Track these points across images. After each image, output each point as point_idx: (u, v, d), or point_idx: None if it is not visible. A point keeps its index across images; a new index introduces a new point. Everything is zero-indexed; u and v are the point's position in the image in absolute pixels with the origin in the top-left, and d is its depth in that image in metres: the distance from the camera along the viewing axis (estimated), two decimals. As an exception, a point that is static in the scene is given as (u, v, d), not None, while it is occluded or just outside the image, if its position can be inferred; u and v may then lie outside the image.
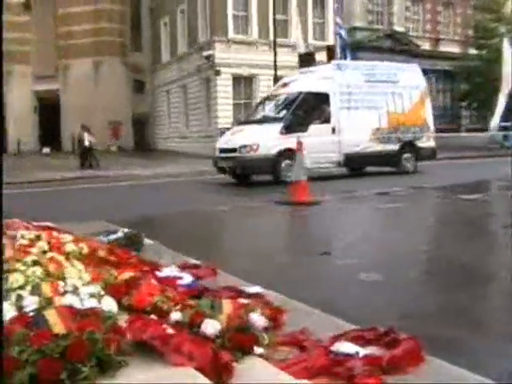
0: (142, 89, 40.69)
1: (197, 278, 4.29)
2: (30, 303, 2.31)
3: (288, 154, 13.68)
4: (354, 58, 27.46)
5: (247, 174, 14.69)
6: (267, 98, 16.72)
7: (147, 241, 6.02)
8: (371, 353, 2.56)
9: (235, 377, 2.13)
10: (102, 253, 3.74)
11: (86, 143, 23.88)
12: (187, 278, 4.07)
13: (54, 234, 3.82)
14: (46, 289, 2.47)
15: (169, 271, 4.21)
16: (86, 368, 1.80)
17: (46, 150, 35.82)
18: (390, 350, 2.65)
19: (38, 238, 3.62)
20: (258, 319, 2.49)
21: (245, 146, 13.96)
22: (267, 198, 10.41)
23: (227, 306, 2.63)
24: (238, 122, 17.18)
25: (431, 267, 5.23)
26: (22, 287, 2.57)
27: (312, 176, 10.99)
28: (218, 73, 29.19)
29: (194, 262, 4.87)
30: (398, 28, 34.82)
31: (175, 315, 2.47)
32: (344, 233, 7.03)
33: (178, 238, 7.55)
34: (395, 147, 15.90)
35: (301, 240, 6.97)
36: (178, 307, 2.56)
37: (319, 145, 14.05)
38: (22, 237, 3.58)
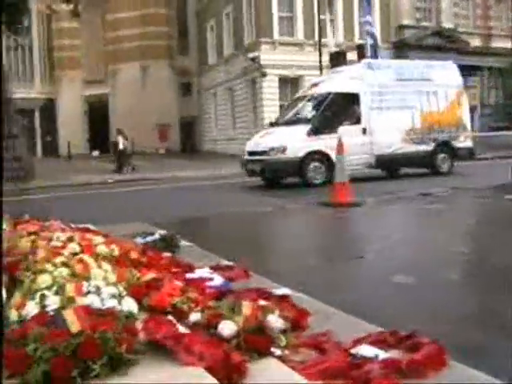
0: (189, 91, 41.20)
1: (228, 280, 4.34)
2: (52, 303, 2.37)
3: (316, 156, 13.70)
4: (402, 57, 27.15)
5: (276, 177, 14.48)
6: (297, 99, 16.47)
7: (185, 243, 6.10)
8: (391, 356, 2.53)
9: (249, 377, 2.14)
10: (134, 254, 3.80)
11: (121, 146, 24.31)
12: (218, 280, 4.11)
13: (87, 236, 3.91)
14: (70, 289, 2.53)
15: (200, 273, 4.25)
16: (97, 366, 1.83)
17: (96, 153, 36.69)
18: (411, 354, 2.61)
19: (71, 239, 3.71)
20: (275, 321, 2.48)
21: (273, 149, 13.83)
22: (310, 200, 10.36)
23: (246, 307, 2.64)
24: (270, 123, 16.92)
25: (471, 269, 5.10)
26: (48, 287, 2.64)
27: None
28: (263, 74, 29.29)
29: (227, 263, 4.91)
30: (447, 25, 34.12)
31: (194, 316, 2.49)
32: (385, 234, 6.93)
33: (218, 240, 7.62)
34: (429, 148, 15.54)
35: (341, 241, 6.91)
36: (198, 308, 2.58)
37: (349, 146, 13.43)
38: (57, 238, 3.68)
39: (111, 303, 2.37)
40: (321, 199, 10.03)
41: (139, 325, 2.19)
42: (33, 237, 3.80)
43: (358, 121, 14.65)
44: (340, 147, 10.34)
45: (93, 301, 2.36)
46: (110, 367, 1.87)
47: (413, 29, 33.03)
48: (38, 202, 13.61)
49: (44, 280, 2.74)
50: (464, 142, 16.19)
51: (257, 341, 2.36)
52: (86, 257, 3.12)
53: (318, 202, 9.89)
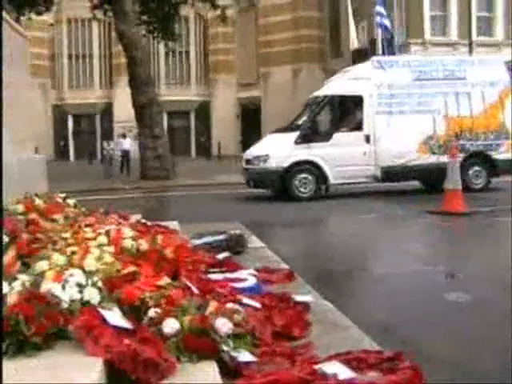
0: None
1: (268, 282, 4.34)
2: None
3: (304, 166, 12.22)
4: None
5: (258, 187, 12.98)
6: (307, 103, 14.48)
7: (258, 243, 6.19)
8: (354, 377, 2.42)
9: (171, 376, 2.17)
10: (168, 251, 3.94)
11: None
12: (249, 282, 4.13)
13: (125, 229, 4.11)
14: (50, 275, 2.73)
15: (238, 274, 4.31)
16: (4, 344, 1.98)
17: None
18: (386, 376, 2.48)
19: (108, 233, 3.95)
20: (223, 325, 2.46)
21: (257, 157, 12.63)
22: (419, 207, 9.90)
23: (212, 307, 2.65)
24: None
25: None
26: (39, 273, 2.85)
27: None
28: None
29: (282, 266, 4.90)
30: None
31: (150, 312, 2.56)
32: (491, 249, 6.46)
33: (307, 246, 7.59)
34: None
35: (439, 253, 6.56)
36: (162, 304, 2.64)
37: (347, 156, 12.19)
38: (93, 231, 3.93)
39: (72, 291, 2.52)
40: (428, 207, 9.53)
41: (77, 314, 2.31)
42: (76, 228, 4.10)
43: (359, 127, 12.80)
44: (454, 150, 9.72)
45: (52, 288, 2.53)
46: (17, 348, 2.01)
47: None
48: (162, 199, 14.36)
49: (40, 266, 2.98)
50: (506, 152, 13.27)
51: (197, 342, 2.36)
52: (93, 248, 3.31)
53: (429, 210, 9.40)
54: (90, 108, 44.05)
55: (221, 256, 5.08)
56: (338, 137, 12.33)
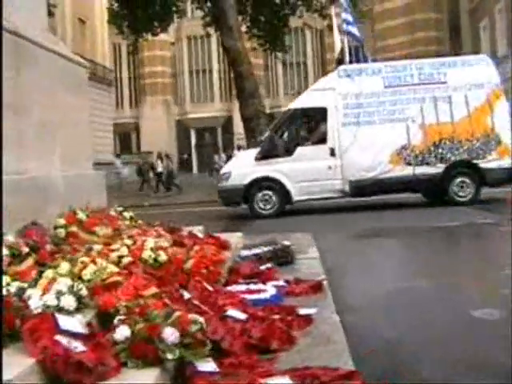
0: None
1: (291, 294, 4.35)
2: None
3: (265, 183, 11.81)
4: None
5: (228, 205, 12.71)
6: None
7: (313, 254, 6.18)
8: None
9: (107, 380, 2.30)
10: (188, 263, 4.11)
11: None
12: (268, 293, 4.18)
13: (149, 240, 4.32)
14: (42, 283, 2.99)
15: (261, 285, 4.38)
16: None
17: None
18: None
19: (135, 243, 4.19)
20: (170, 334, 2.54)
21: (222, 175, 12.53)
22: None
23: (176, 317, 2.75)
24: None
25: None
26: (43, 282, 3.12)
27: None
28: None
29: (317, 278, 4.86)
30: None
31: (116, 319, 2.72)
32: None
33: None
34: (436, 170, 11.76)
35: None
36: (136, 312, 2.78)
37: (311, 171, 11.62)
38: (120, 243, 4.19)
39: (48, 298, 2.75)
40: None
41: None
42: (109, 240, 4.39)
43: (323, 140, 12.00)
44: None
45: (32, 294, 2.78)
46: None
47: None
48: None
49: (46, 275, 3.25)
50: (497, 160, 11.75)
51: (143, 349, 2.48)
52: (101, 260, 3.54)
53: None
54: (212, 121, 45.79)
55: (263, 267, 5.19)
56: (301, 151, 11.87)
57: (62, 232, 4.50)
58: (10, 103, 4.06)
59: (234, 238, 6.63)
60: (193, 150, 46.94)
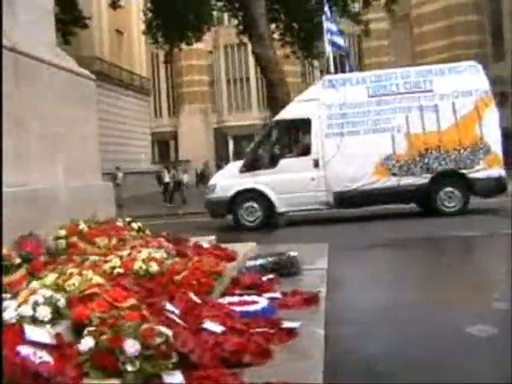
0: (505, 101, 38.34)
1: (284, 307, 4.32)
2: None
3: (249, 195, 11.75)
4: None
5: (215, 216, 12.58)
6: None
7: (322, 265, 6.12)
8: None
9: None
10: (182, 274, 4.16)
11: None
12: (259, 305, 4.16)
13: (144, 251, 4.37)
14: (24, 294, 3.07)
15: (255, 297, 4.36)
16: None
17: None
18: None
19: (129, 254, 4.25)
20: (130, 346, 2.57)
21: (209, 187, 12.62)
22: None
23: (143, 329, 2.77)
24: None
25: None
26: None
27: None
28: None
29: (316, 290, 4.80)
30: None
31: (85, 331, 2.77)
32: None
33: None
34: (422, 180, 11.51)
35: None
36: (108, 324, 2.83)
37: (294, 183, 11.51)
38: (116, 255, 4.25)
39: (24, 309, 2.83)
40: None
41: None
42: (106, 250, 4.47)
43: (306, 151, 11.88)
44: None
45: (9, 305, 2.87)
46: None
47: None
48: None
49: (34, 285, 3.35)
50: (486, 170, 11.48)
51: (103, 361, 2.52)
52: (87, 271, 3.60)
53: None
54: (249, 129, 45.99)
55: (264, 278, 5.17)
56: (284, 163, 11.83)
57: (62, 243, 4.62)
58: (10, 116, 4.19)
59: (246, 248, 6.66)
60: (231, 158, 47.24)
